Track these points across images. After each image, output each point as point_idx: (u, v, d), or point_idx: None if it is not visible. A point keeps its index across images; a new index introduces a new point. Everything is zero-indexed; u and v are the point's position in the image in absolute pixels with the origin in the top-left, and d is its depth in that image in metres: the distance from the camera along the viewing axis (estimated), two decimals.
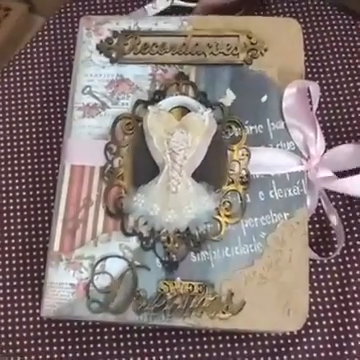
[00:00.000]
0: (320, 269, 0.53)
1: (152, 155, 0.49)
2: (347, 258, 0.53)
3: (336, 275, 0.53)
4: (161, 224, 0.47)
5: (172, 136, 0.49)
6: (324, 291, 0.53)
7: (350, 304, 0.52)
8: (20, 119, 0.59)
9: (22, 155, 0.58)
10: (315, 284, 0.53)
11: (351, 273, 0.53)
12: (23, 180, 0.57)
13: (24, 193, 0.56)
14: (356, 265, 0.53)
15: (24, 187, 0.57)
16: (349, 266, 0.53)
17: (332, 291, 0.53)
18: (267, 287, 0.47)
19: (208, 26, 0.54)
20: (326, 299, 0.52)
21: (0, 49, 1.20)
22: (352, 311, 0.52)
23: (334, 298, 0.52)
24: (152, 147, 0.49)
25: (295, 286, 0.47)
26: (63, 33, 0.63)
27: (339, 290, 0.53)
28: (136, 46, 0.54)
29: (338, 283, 0.53)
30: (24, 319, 0.53)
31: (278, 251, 0.47)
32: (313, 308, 0.52)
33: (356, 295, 0.52)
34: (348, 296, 0.52)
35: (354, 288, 0.52)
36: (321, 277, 0.53)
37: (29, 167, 0.57)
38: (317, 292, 0.53)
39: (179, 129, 0.49)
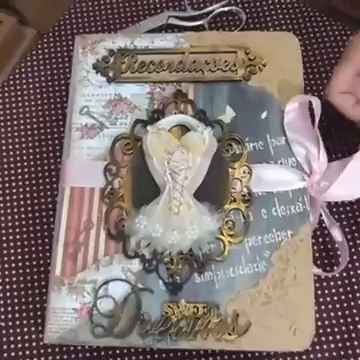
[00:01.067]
0: (325, 284, 0.53)
1: (153, 175, 0.49)
2: (352, 272, 0.53)
3: (341, 290, 0.52)
4: (164, 246, 0.46)
5: (172, 156, 0.48)
6: (330, 306, 0.52)
7: (357, 319, 0.51)
8: (17, 140, 0.58)
9: (20, 177, 0.57)
10: (321, 299, 0.52)
11: (356, 287, 0.52)
12: (22, 203, 0.56)
13: (23, 216, 0.56)
14: None
15: (23, 210, 0.56)
16: (354, 280, 0.53)
17: (338, 306, 0.52)
18: (272, 306, 0.46)
19: (205, 43, 0.54)
20: (332, 314, 0.52)
21: None
22: (359, 326, 0.51)
23: (340, 313, 0.52)
24: (152, 167, 0.49)
25: (301, 305, 0.46)
26: (57, 51, 0.62)
27: (345, 305, 0.52)
28: (133, 64, 0.54)
29: (343, 298, 0.52)
30: (27, 345, 0.52)
31: (283, 270, 0.47)
32: (319, 323, 0.51)
33: None
34: (354, 311, 0.52)
35: None
36: (326, 292, 0.52)
37: (28, 189, 0.57)
38: (323, 307, 0.52)
39: (179, 149, 0.48)
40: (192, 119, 0.50)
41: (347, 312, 0.52)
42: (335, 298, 0.52)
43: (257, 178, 0.49)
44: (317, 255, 0.53)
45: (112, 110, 0.52)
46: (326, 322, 0.52)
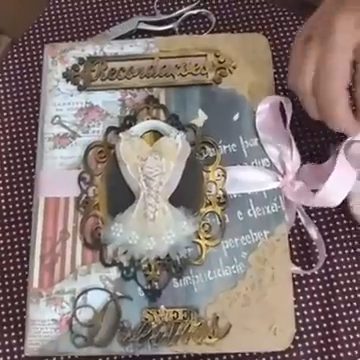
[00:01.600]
0: (304, 282, 0.53)
1: (127, 182, 0.49)
2: (330, 269, 0.53)
3: (321, 287, 0.53)
4: (141, 252, 0.46)
5: (146, 162, 0.48)
6: (310, 303, 0.52)
7: (337, 315, 0.52)
8: None
9: None
10: (300, 298, 0.52)
11: (335, 284, 0.53)
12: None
13: (1, 227, 0.55)
14: (340, 275, 0.53)
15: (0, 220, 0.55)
16: (333, 277, 0.53)
17: (318, 303, 0.52)
18: (252, 308, 0.46)
19: (175, 47, 0.54)
20: (312, 311, 0.52)
21: None
22: (339, 322, 0.51)
23: (320, 310, 0.52)
24: (126, 174, 0.48)
25: (280, 304, 0.47)
26: (28, 61, 0.61)
27: (325, 302, 0.52)
28: (103, 72, 0.54)
29: (323, 294, 0.53)
30: (9, 358, 0.51)
31: (260, 270, 0.47)
32: (300, 321, 0.52)
33: (342, 306, 0.52)
34: (334, 307, 0.52)
35: (340, 298, 0.52)
36: (306, 290, 0.53)
37: (3, 201, 0.56)
38: (303, 305, 0.52)
39: (152, 155, 0.48)
40: (164, 124, 0.50)
41: (327, 308, 0.52)
42: (315, 295, 0.52)
43: (231, 180, 0.49)
44: (295, 253, 0.54)
45: (84, 118, 0.52)
46: (306, 320, 0.52)
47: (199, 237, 0.48)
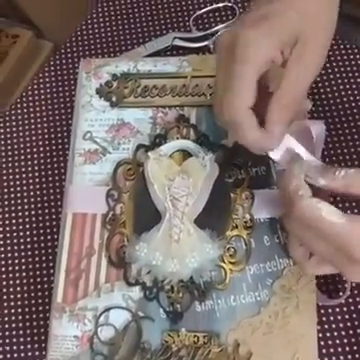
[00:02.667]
0: (330, 310, 0.52)
1: (154, 201, 0.49)
2: (358, 299, 0.52)
3: (347, 316, 0.51)
4: (164, 274, 0.46)
5: (173, 182, 0.48)
6: (335, 333, 0.51)
7: None
8: (23, 163, 0.59)
9: (26, 200, 0.57)
10: (325, 326, 0.51)
11: None
12: (27, 226, 0.57)
13: (28, 239, 0.56)
14: None
15: (28, 233, 0.56)
16: (359, 307, 0.52)
17: (343, 333, 0.51)
18: (274, 336, 0.46)
19: (207, 66, 0.54)
20: (337, 341, 0.51)
21: (11, 75, 1.22)
22: None
23: (346, 340, 0.51)
24: (153, 194, 0.48)
25: (303, 334, 0.45)
26: (64, 74, 0.62)
27: (350, 332, 0.51)
28: (136, 89, 0.54)
29: (349, 324, 0.51)
30: None
31: (285, 298, 0.46)
32: (324, 351, 0.50)
33: None
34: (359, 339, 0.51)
35: None
36: (331, 318, 0.51)
37: (33, 212, 0.57)
38: (328, 335, 0.51)
39: (180, 175, 0.48)
40: (193, 144, 0.50)
41: (353, 339, 0.51)
42: (340, 325, 0.51)
43: (259, 204, 0.49)
44: (322, 280, 0.52)
45: (115, 135, 0.53)
46: (331, 350, 0.51)
47: (224, 261, 0.47)
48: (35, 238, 0.56)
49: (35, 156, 0.59)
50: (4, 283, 0.55)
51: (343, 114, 0.58)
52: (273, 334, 0.46)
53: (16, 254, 0.56)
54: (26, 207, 0.57)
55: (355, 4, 0.69)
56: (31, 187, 0.58)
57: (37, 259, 0.55)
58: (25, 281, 0.55)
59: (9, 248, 0.56)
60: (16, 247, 0.56)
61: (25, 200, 0.57)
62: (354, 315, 0.51)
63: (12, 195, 0.58)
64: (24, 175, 0.58)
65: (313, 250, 0.41)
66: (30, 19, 1.28)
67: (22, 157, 0.59)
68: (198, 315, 0.47)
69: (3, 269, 0.55)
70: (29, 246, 0.56)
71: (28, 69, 1.23)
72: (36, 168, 0.59)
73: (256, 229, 0.48)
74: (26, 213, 0.57)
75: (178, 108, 0.53)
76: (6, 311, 0.54)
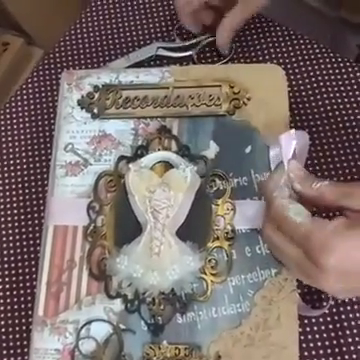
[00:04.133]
0: (313, 320, 0.52)
1: (135, 213, 0.48)
2: (341, 308, 0.52)
3: (330, 326, 0.51)
4: (145, 286, 0.46)
5: (154, 194, 0.48)
6: (318, 343, 0.51)
7: (346, 357, 0.50)
8: (6, 175, 0.58)
9: (8, 212, 0.57)
10: (309, 337, 0.51)
11: (345, 324, 0.51)
12: (10, 238, 0.56)
13: (10, 251, 0.56)
14: (350, 315, 0.51)
15: (10, 245, 0.56)
16: (343, 317, 0.51)
17: (327, 343, 0.51)
18: (256, 348, 0.45)
19: (190, 77, 0.54)
20: (321, 352, 0.51)
21: (1, 82, 1.22)
22: None
23: (329, 350, 0.51)
24: (134, 206, 0.48)
25: (284, 346, 0.45)
26: (47, 85, 0.62)
27: (334, 342, 0.51)
28: (118, 100, 0.54)
29: (333, 335, 0.51)
30: None
31: (266, 310, 0.46)
32: None
33: (352, 347, 0.50)
34: (344, 349, 0.51)
35: (349, 340, 0.51)
36: (315, 329, 0.51)
37: (16, 224, 0.57)
38: (311, 345, 0.51)
39: (161, 187, 0.48)
40: (174, 156, 0.50)
41: (336, 349, 0.51)
42: (324, 335, 0.51)
43: (241, 215, 0.49)
44: (306, 290, 0.52)
45: (96, 147, 0.52)
46: None
47: (205, 273, 0.47)
48: (18, 250, 0.56)
49: (18, 167, 0.59)
50: None
51: (327, 124, 0.58)
52: (254, 346, 0.46)
53: None
54: (9, 219, 0.57)
55: (350, 9, 0.69)
56: (14, 199, 0.58)
57: (20, 271, 0.55)
58: (8, 293, 0.55)
59: None
60: None
61: (8, 212, 0.57)
62: (337, 325, 0.51)
63: None
64: (7, 187, 0.58)
65: (285, 257, 0.42)
66: (21, 26, 1.28)
67: (5, 169, 0.59)
68: (179, 327, 0.47)
69: None
70: (12, 258, 0.56)
71: (19, 76, 1.23)
72: (19, 180, 0.58)
73: (237, 240, 0.48)
74: (9, 225, 0.57)
75: (160, 119, 0.53)
76: None
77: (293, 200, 0.42)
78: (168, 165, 0.50)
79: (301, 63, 0.61)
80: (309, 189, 0.42)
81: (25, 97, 0.62)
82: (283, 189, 0.43)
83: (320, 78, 0.60)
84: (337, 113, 0.58)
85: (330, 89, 0.59)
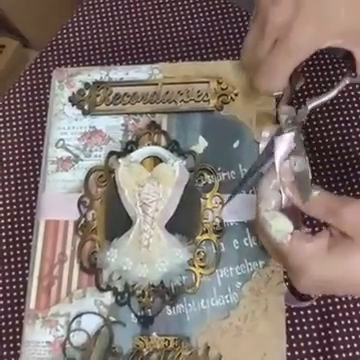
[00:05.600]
0: (302, 312, 0.52)
1: (125, 207, 0.49)
2: (329, 300, 0.52)
3: (319, 318, 0.52)
4: (134, 279, 0.47)
5: (143, 188, 0.48)
6: (307, 335, 0.52)
7: (334, 348, 0.51)
8: None
9: (1, 208, 0.58)
10: (297, 328, 0.52)
11: (333, 315, 0.52)
12: (3, 234, 0.57)
13: (2, 247, 0.57)
14: (338, 307, 0.52)
15: (2, 240, 0.57)
16: (331, 308, 0.52)
17: (315, 335, 0.52)
18: (243, 339, 0.46)
19: (178, 73, 0.54)
20: (309, 343, 0.51)
21: None
22: (336, 356, 0.51)
23: (317, 342, 0.51)
24: (124, 200, 0.49)
25: (272, 336, 0.46)
26: (39, 83, 0.63)
27: (322, 334, 0.52)
28: (108, 97, 0.54)
29: (321, 326, 0.52)
30: None
31: (254, 301, 0.47)
32: (296, 353, 0.51)
33: (339, 338, 0.51)
34: (331, 339, 0.51)
35: (337, 331, 0.52)
36: (303, 320, 0.52)
37: (9, 220, 0.57)
38: (300, 336, 0.52)
39: (150, 181, 0.49)
40: (163, 150, 0.51)
41: (324, 341, 0.51)
42: (312, 327, 0.52)
43: (229, 208, 0.49)
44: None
45: (87, 142, 0.53)
46: (303, 352, 0.51)
47: (194, 265, 0.48)
48: (10, 245, 0.57)
49: (11, 164, 0.60)
50: None
51: (315, 119, 0.58)
52: (242, 337, 0.46)
53: None
54: (1, 214, 0.58)
55: None
56: (7, 195, 0.59)
57: (12, 266, 0.56)
58: (1, 288, 0.55)
59: None
60: None
61: (1, 208, 0.58)
62: (325, 316, 0.52)
63: None
64: (0, 183, 0.59)
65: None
66: (16, 29, 1.29)
67: None
68: (169, 319, 0.47)
69: None
70: (5, 254, 0.56)
71: (14, 78, 1.24)
72: (12, 176, 0.59)
73: (226, 233, 0.49)
74: (1, 220, 0.58)
75: (149, 115, 0.54)
76: None
77: (277, 212, 0.42)
78: (157, 160, 0.51)
79: None
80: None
81: (18, 95, 0.63)
82: (268, 200, 0.42)
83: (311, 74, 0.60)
84: (329, 108, 0.59)
85: (323, 85, 0.60)
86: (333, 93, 0.44)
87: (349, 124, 0.58)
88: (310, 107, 0.45)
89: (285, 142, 0.45)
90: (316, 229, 0.53)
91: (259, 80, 0.44)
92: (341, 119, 0.58)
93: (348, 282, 0.37)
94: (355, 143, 0.57)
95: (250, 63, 0.45)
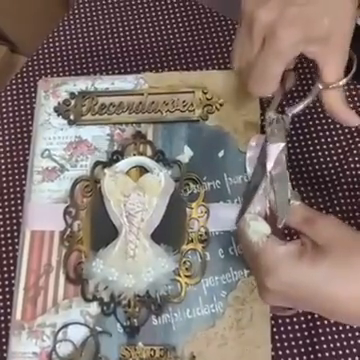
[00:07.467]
0: (288, 320, 0.53)
1: (110, 218, 0.49)
2: None
3: (304, 325, 0.52)
4: (120, 289, 0.47)
5: (129, 198, 0.49)
6: (292, 343, 0.52)
7: (319, 355, 0.51)
8: None
9: None
10: (283, 336, 0.52)
11: (318, 323, 0.52)
12: None
13: None
14: None
15: None
16: (316, 316, 0.53)
17: (300, 342, 0.52)
18: (229, 348, 0.46)
19: (164, 83, 0.55)
20: (295, 351, 0.52)
21: None
22: None
23: (303, 349, 0.52)
24: (110, 210, 0.49)
25: (258, 345, 0.46)
26: (26, 92, 0.63)
27: (307, 341, 0.52)
28: (93, 107, 0.55)
29: (306, 334, 0.52)
30: None
31: (239, 310, 0.47)
32: None
33: (325, 345, 0.52)
34: (316, 347, 0.52)
35: (322, 338, 0.52)
36: (289, 328, 0.52)
37: None
38: (286, 344, 0.52)
39: (136, 191, 0.49)
40: (149, 160, 0.51)
41: (309, 348, 0.52)
42: (297, 335, 0.52)
43: (214, 217, 0.50)
44: None
45: (73, 152, 0.53)
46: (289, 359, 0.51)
47: (179, 275, 0.48)
48: None
49: None
50: None
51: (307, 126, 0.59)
52: (228, 346, 0.47)
53: None
54: None
55: None
56: None
57: None
58: None
59: None
60: None
61: None
62: (311, 324, 0.52)
63: None
64: None
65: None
66: (5, 34, 1.29)
67: None
68: (155, 329, 0.47)
69: None
70: None
71: (2, 84, 1.24)
72: None
73: (211, 242, 0.49)
74: None
75: (135, 125, 0.54)
76: None
77: (259, 217, 0.43)
78: (143, 170, 0.51)
79: None
80: None
81: (4, 104, 0.63)
82: (254, 204, 0.44)
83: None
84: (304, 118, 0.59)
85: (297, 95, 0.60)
86: (310, 99, 0.45)
87: (325, 139, 0.58)
88: (290, 114, 0.46)
89: (277, 150, 0.46)
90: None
91: (252, 84, 0.45)
92: (314, 135, 0.59)
93: (312, 291, 0.38)
94: (327, 159, 0.58)
95: (241, 67, 0.45)
